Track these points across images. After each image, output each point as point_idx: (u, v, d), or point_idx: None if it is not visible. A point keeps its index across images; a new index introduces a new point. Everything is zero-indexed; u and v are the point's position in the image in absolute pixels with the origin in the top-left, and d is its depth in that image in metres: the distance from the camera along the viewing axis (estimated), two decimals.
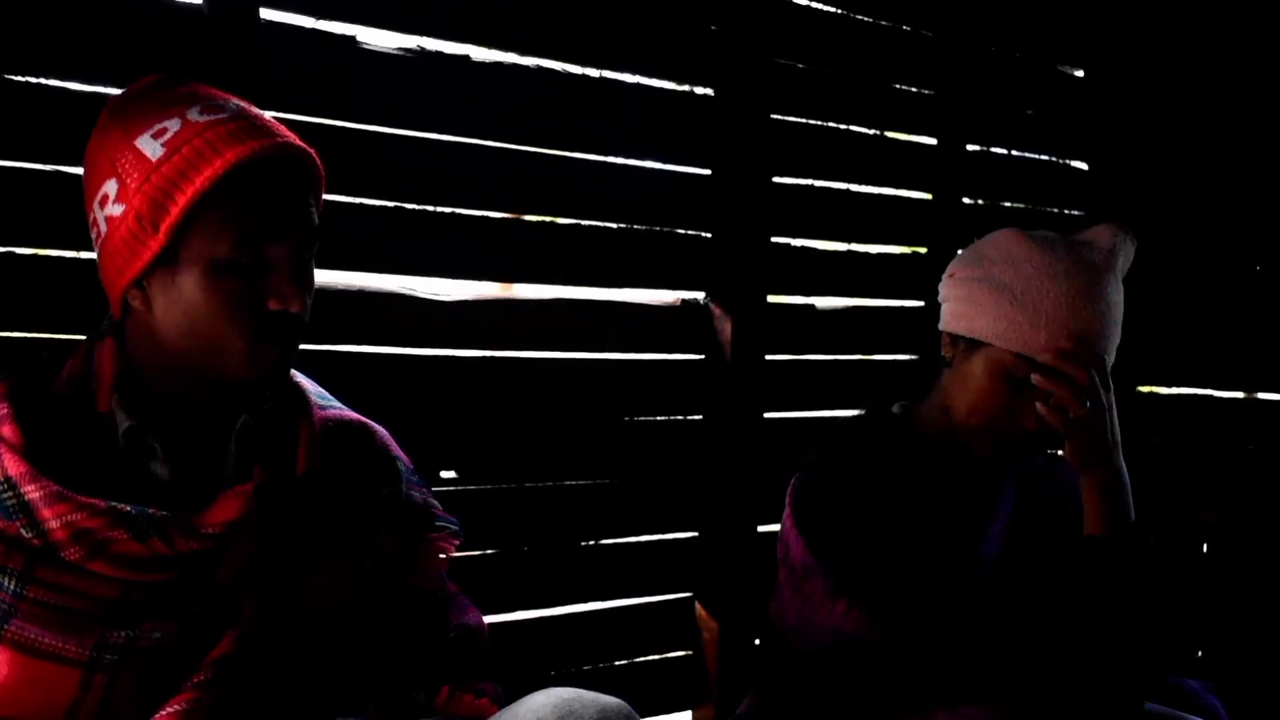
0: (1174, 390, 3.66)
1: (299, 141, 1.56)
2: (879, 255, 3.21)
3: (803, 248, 3.02)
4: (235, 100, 1.57)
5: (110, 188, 1.51)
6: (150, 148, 1.49)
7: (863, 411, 2.22)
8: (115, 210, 1.50)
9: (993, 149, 3.46)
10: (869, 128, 3.14)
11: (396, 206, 2.31)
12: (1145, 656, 1.96)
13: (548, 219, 2.56)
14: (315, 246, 1.60)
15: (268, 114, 1.60)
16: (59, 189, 1.92)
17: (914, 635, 1.94)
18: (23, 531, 1.41)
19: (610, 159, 2.63)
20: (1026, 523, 2.09)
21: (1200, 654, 3.48)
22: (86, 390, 1.55)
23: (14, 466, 1.42)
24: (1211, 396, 3.56)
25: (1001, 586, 2.01)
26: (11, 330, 1.91)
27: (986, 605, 1.95)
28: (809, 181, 3.02)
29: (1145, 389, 3.69)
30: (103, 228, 1.53)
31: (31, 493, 1.41)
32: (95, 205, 1.53)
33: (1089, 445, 1.93)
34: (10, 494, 1.41)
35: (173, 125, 1.50)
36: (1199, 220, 3.58)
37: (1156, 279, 3.61)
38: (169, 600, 1.48)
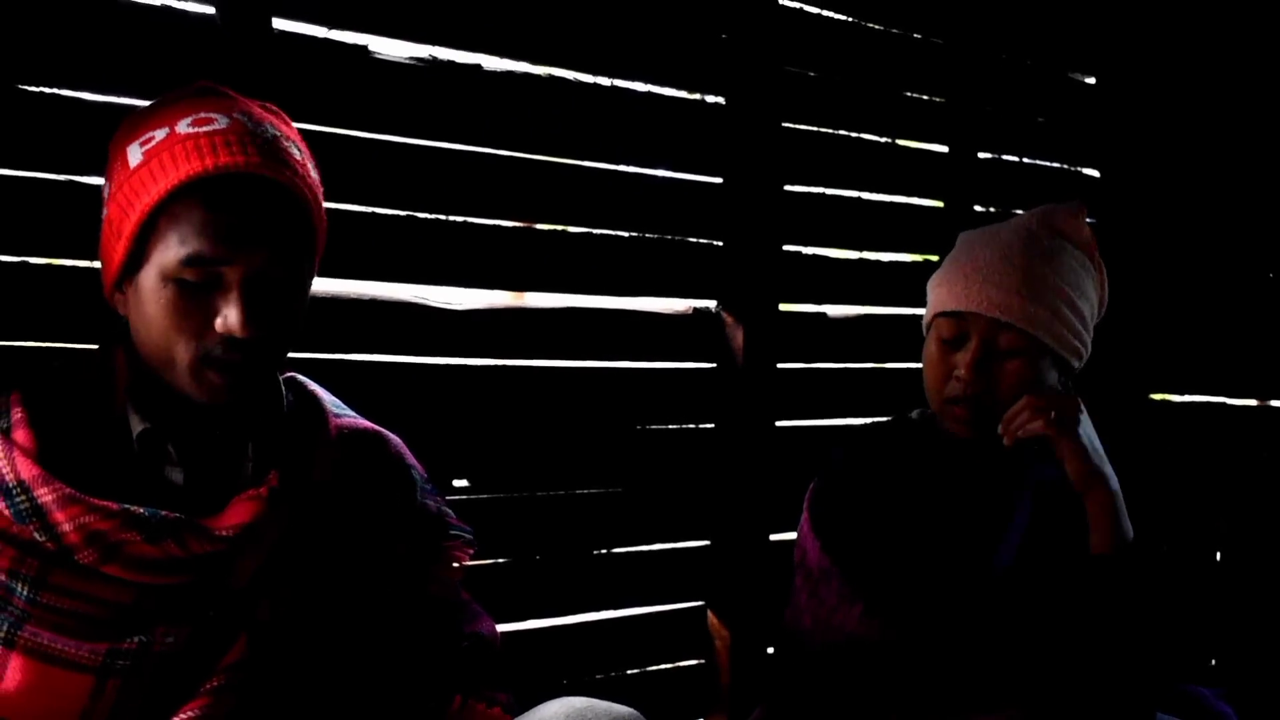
0: (1186, 398, 3.65)
1: (277, 162, 1.53)
2: (891, 263, 3.21)
3: (814, 256, 3.02)
4: (248, 110, 1.56)
5: (105, 190, 1.56)
6: (134, 155, 1.51)
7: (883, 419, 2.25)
8: (104, 212, 1.55)
9: (1004, 156, 3.45)
10: (880, 135, 3.14)
11: (409, 215, 2.31)
12: (1157, 666, 1.96)
13: (559, 228, 2.56)
14: (292, 274, 1.57)
15: (273, 126, 1.59)
16: (73, 199, 1.93)
17: (928, 640, 1.94)
18: (36, 535, 1.41)
19: (622, 168, 2.63)
20: (1044, 530, 2.09)
21: (1213, 661, 3.47)
22: (102, 395, 1.56)
23: (26, 470, 1.43)
24: (1224, 404, 3.55)
25: (1015, 594, 2.01)
26: (25, 340, 1.91)
27: (1000, 613, 1.95)
28: (820, 189, 3.02)
29: (1158, 397, 3.68)
30: (100, 229, 1.56)
31: (44, 496, 1.41)
32: (102, 207, 1.56)
33: (1079, 467, 1.96)
34: (23, 497, 1.41)
35: (159, 134, 1.51)
36: (1211, 227, 3.57)
37: (1168, 286, 3.60)
38: (182, 604, 1.49)
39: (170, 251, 1.47)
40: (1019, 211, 3.34)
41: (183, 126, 1.51)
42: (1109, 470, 1.99)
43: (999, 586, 2.04)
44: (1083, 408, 2.03)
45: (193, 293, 1.49)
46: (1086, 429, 1.99)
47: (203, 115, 1.52)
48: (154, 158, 1.49)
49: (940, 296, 2.07)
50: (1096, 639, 1.90)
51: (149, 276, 1.50)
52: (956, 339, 2.04)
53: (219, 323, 1.49)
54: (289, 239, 1.55)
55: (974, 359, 2.01)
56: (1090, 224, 2.12)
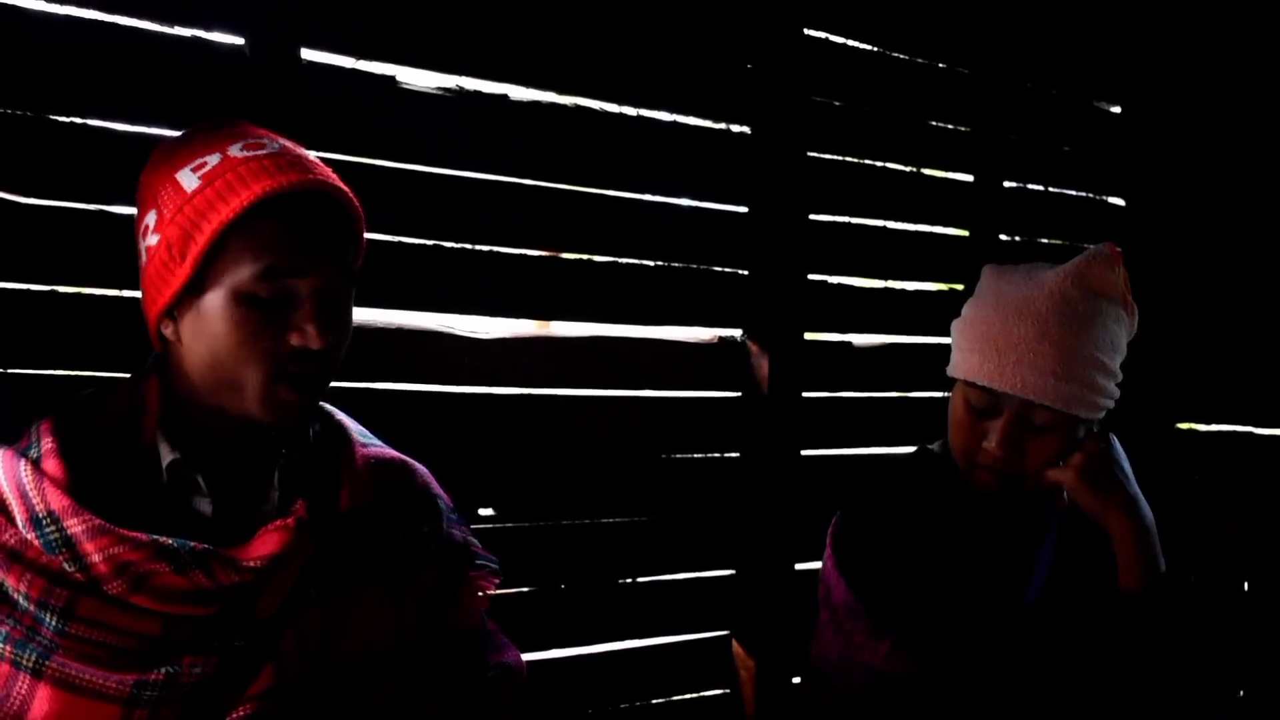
0: (1213, 427, 3.63)
1: (335, 180, 1.57)
2: (916, 292, 3.21)
3: (839, 285, 3.02)
4: (283, 141, 1.59)
5: (151, 218, 1.55)
6: (188, 180, 1.52)
7: (907, 450, 2.23)
8: (153, 240, 1.54)
9: (1029, 185, 3.45)
10: (905, 165, 3.15)
11: (435, 245, 2.32)
12: (1184, 699, 1.95)
13: (585, 257, 2.56)
14: (350, 287, 1.60)
15: (310, 153, 1.61)
16: (103, 228, 1.94)
17: (954, 677, 1.93)
18: (65, 566, 1.42)
19: (647, 197, 2.64)
20: (1071, 563, 2.08)
21: (1241, 693, 3.44)
22: (132, 425, 1.57)
23: (57, 501, 1.43)
24: (1251, 433, 3.53)
25: (1042, 629, 2.00)
26: (55, 368, 1.92)
27: (1026, 648, 1.94)
28: (846, 219, 3.02)
29: (1184, 426, 3.67)
30: (143, 258, 1.56)
31: (74, 527, 1.42)
32: (139, 237, 1.57)
33: (1089, 503, 1.97)
34: (53, 528, 1.42)
35: (212, 160, 1.52)
36: (1237, 256, 3.56)
37: (1194, 315, 3.59)
38: (210, 634, 1.49)
39: (245, 268, 1.49)
40: (1044, 240, 3.36)
41: (235, 150, 1.53)
42: (1133, 501, 1.96)
43: (1026, 621, 2.03)
44: (1113, 439, 2.02)
45: (264, 309, 1.51)
46: (1100, 465, 1.97)
47: (251, 141, 1.55)
48: (217, 179, 1.50)
49: (971, 363, 2.01)
50: (1125, 675, 1.89)
51: (217, 296, 1.51)
52: (986, 407, 2.01)
53: (295, 336, 1.52)
54: (349, 253, 1.59)
55: (1005, 437, 1.98)
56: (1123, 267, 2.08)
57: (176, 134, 1.62)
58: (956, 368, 2.06)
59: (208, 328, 1.52)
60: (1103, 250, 2.04)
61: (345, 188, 1.59)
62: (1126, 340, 2.07)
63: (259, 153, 1.53)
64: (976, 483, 2.05)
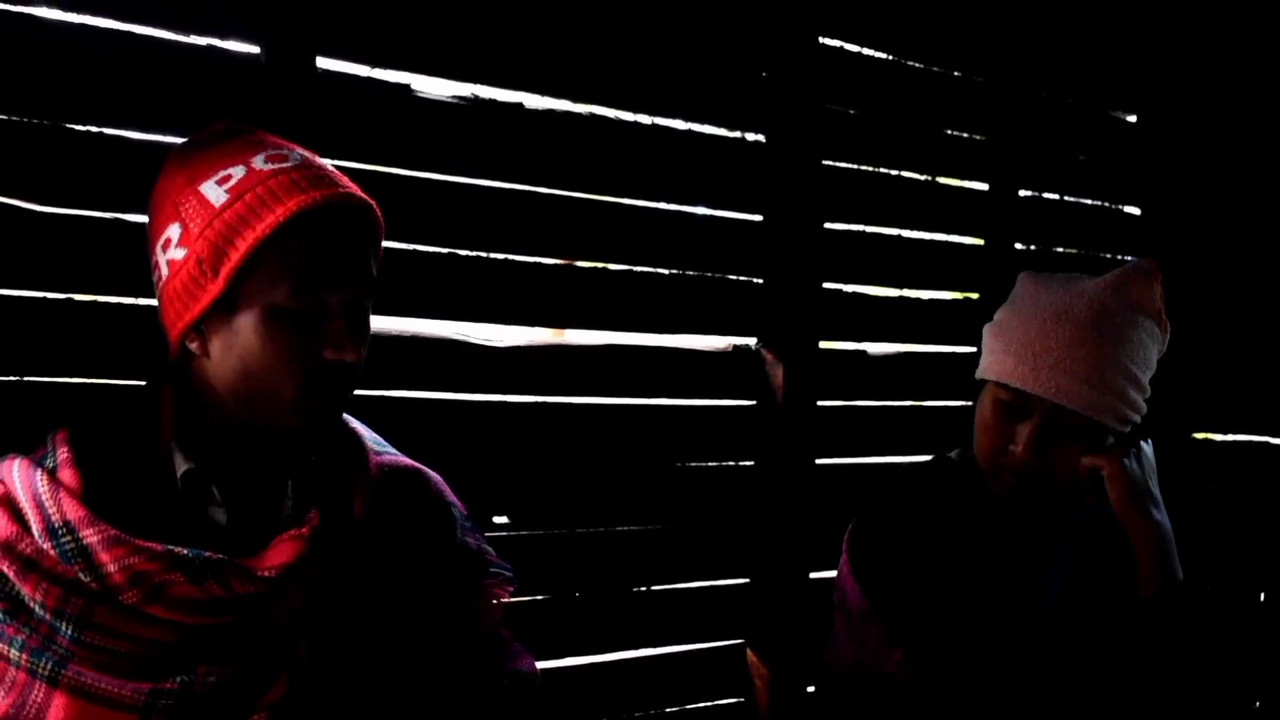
0: (1229, 437, 3.62)
1: (361, 193, 1.58)
2: (931, 301, 3.20)
3: (854, 293, 3.02)
4: (299, 149, 1.59)
5: (173, 232, 1.53)
6: (214, 194, 1.51)
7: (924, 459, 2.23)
8: (177, 254, 1.52)
9: (1045, 194, 3.45)
10: (920, 173, 3.14)
11: (450, 253, 2.32)
12: (1199, 709, 1.94)
13: (600, 265, 2.56)
14: (373, 297, 1.61)
15: (327, 162, 1.62)
16: (117, 236, 1.94)
17: (967, 685, 1.92)
18: (81, 576, 1.42)
19: (662, 205, 2.64)
20: (1088, 568, 2.07)
21: (1258, 704, 3.43)
22: (146, 434, 1.57)
23: (73, 511, 1.43)
24: (1268, 443, 3.52)
25: (1057, 636, 1.99)
26: (71, 377, 1.93)
27: (1042, 655, 1.93)
28: (860, 227, 3.02)
29: (1200, 435, 3.66)
30: (164, 271, 1.55)
31: (90, 537, 1.42)
32: (158, 249, 1.56)
33: (1121, 498, 1.95)
34: (69, 538, 1.42)
35: (237, 172, 1.52)
36: (1253, 265, 3.55)
37: (1210, 325, 3.58)
38: (224, 644, 1.49)
39: (279, 284, 1.50)
40: (1059, 249, 3.35)
41: (259, 163, 1.53)
42: (1158, 509, 1.96)
43: (1042, 628, 2.02)
44: (1147, 443, 2.02)
45: (298, 323, 1.52)
46: (1138, 465, 1.98)
47: (273, 152, 1.56)
48: (245, 193, 1.50)
49: (1004, 364, 2.01)
50: (1141, 683, 1.88)
51: (250, 312, 1.51)
52: (1016, 409, 2.00)
53: (330, 351, 1.52)
54: (374, 264, 1.60)
55: (1033, 441, 1.98)
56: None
57: (185, 140, 1.63)
58: (988, 369, 2.06)
59: (241, 342, 1.52)
60: (1143, 265, 2.05)
61: (370, 200, 1.59)
62: (1157, 358, 2.07)
63: (285, 165, 1.54)
64: (999, 485, 2.04)
